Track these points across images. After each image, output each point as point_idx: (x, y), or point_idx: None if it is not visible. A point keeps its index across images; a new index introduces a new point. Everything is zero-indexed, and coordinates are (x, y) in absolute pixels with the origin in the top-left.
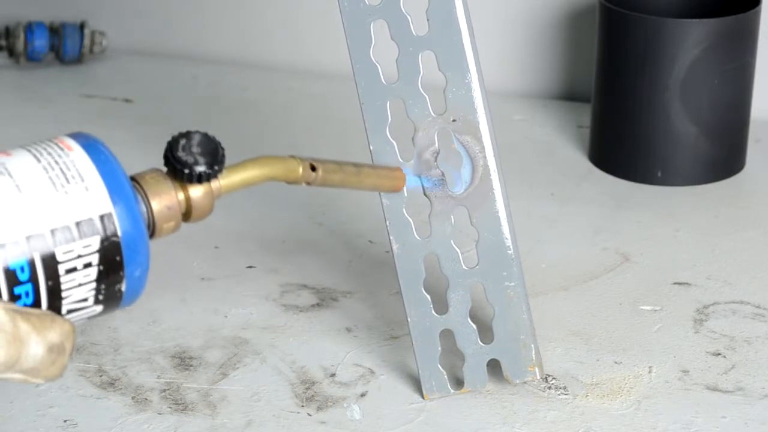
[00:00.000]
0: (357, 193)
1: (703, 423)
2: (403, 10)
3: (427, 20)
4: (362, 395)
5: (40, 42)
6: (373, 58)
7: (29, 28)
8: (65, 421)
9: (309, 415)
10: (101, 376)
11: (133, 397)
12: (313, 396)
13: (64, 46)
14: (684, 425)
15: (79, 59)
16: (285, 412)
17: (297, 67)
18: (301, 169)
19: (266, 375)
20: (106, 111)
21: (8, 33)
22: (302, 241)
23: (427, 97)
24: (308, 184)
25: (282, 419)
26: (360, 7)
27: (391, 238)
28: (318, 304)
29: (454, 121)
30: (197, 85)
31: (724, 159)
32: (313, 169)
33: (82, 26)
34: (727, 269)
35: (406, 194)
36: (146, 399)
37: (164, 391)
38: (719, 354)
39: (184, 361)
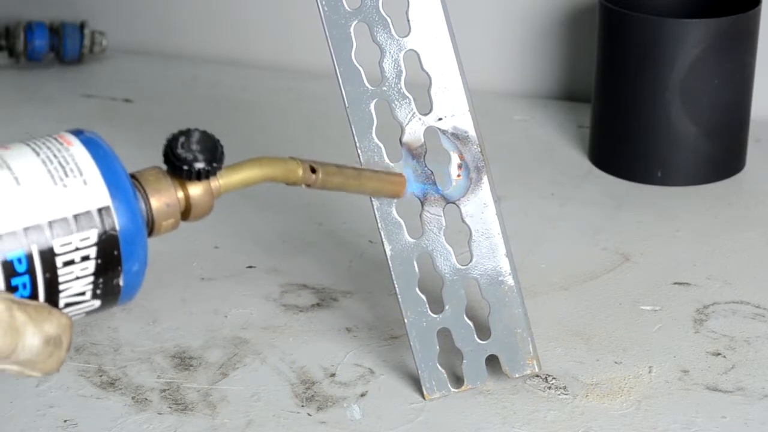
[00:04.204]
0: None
1: (703, 423)
2: (383, 12)
3: (408, 21)
4: (362, 395)
5: (40, 42)
6: (355, 62)
7: (29, 28)
8: (65, 421)
9: (309, 415)
10: (101, 376)
11: (133, 397)
12: (313, 396)
13: (64, 46)
14: (684, 425)
15: (79, 59)
16: (285, 412)
17: (297, 67)
18: (300, 171)
19: (266, 375)
20: (106, 111)
21: (8, 33)
22: (302, 241)
23: (411, 97)
24: (308, 186)
25: (282, 419)
26: (340, 11)
27: (383, 240)
28: (318, 304)
29: (440, 119)
30: (197, 85)
31: (724, 159)
32: (313, 171)
33: (82, 26)
34: (727, 269)
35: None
36: (146, 399)
37: (164, 391)
38: (719, 354)
39: (184, 361)
